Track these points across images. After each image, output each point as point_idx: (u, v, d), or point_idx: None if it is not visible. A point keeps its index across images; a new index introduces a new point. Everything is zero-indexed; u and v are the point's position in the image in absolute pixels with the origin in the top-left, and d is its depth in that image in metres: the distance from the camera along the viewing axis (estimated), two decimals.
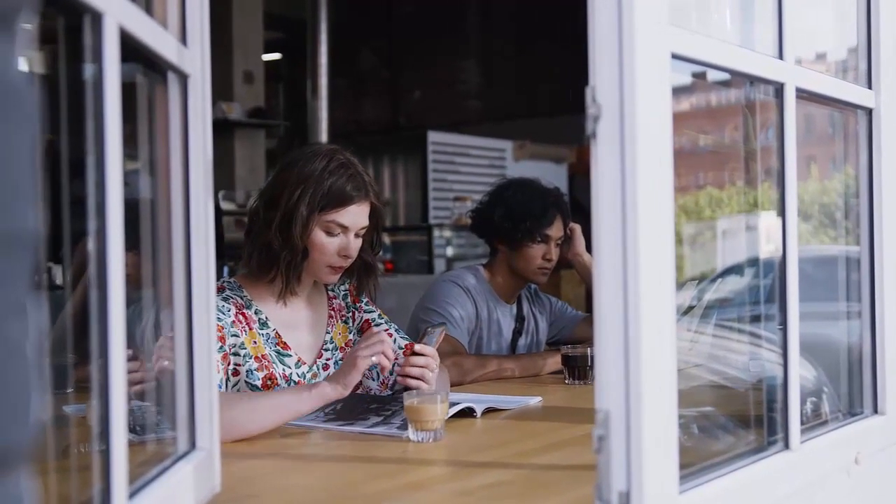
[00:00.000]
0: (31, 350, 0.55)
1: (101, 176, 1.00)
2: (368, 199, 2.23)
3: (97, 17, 0.99)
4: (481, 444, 1.93)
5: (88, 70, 1.02)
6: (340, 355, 2.34)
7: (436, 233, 7.40)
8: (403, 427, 1.90)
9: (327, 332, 2.35)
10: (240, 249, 2.30)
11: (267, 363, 2.18)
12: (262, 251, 2.20)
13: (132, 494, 1.09)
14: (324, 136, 8.61)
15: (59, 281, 2.63)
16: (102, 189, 1.00)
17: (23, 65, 0.56)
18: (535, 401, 2.34)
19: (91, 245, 1.01)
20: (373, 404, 2.14)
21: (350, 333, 2.39)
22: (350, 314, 2.41)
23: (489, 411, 2.18)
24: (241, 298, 2.21)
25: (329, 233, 2.19)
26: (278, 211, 2.17)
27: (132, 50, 1.12)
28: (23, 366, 0.54)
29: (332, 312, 2.38)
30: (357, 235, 2.23)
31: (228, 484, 1.47)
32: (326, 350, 2.33)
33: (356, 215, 2.21)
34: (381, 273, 2.47)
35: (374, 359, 1.98)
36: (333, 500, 1.54)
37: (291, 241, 2.16)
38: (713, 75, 1.55)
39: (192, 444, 1.37)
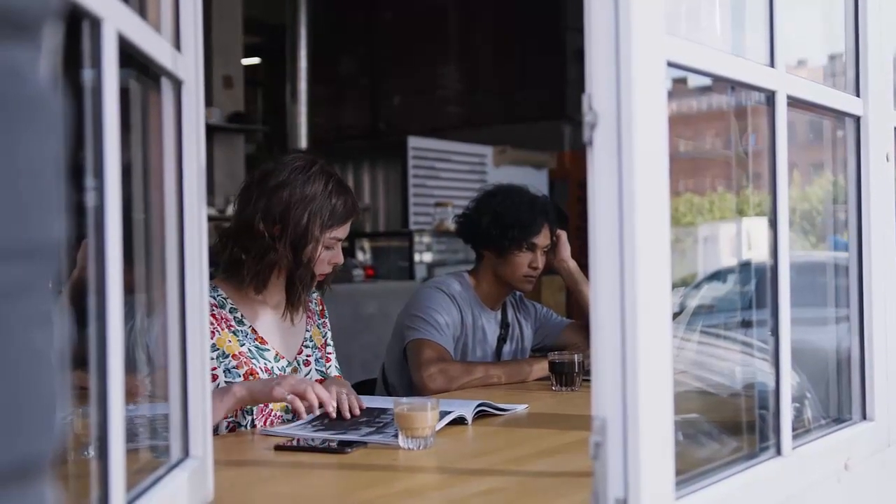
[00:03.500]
0: (55, 358, 0.55)
1: (101, 182, 0.99)
2: (357, 212, 2.37)
3: (96, 23, 0.99)
4: (472, 452, 1.93)
5: (86, 75, 1.01)
6: (319, 353, 2.44)
7: (416, 238, 7.38)
8: (398, 436, 1.90)
9: (307, 331, 2.43)
10: (217, 256, 2.30)
11: (245, 359, 2.23)
12: (268, 269, 2.26)
13: (129, 503, 1.08)
14: (303, 142, 8.59)
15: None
16: (101, 195, 0.99)
17: (47, 73, 0.55)
18: (521, 408, 2.35)
19: (89, 251, 1.00)
20: (362, 417, 2.13)
21: (323, 338, 2.49)
22: (322, 322, 2.52)
23: (480, 415, 2.19)
24: (215, 298, 2.24)
25: (328, 247, 2.31)
26: (286, 231, 2.23)
27: (127, 55, 1.11)
28: (48, 374, 0.54)
29: (310, 313, 2.47)
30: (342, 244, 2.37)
31: (221, 492, 1.46)
32: (307, 347, 2.41)
33: (349, 227, 2.35)
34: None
35: (289, 397, 2.01)
36: None
37: (302, 260, 2.25)
38: (692, 81, 1.55)
39: (186, 453, 1.36)
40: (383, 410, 2.17)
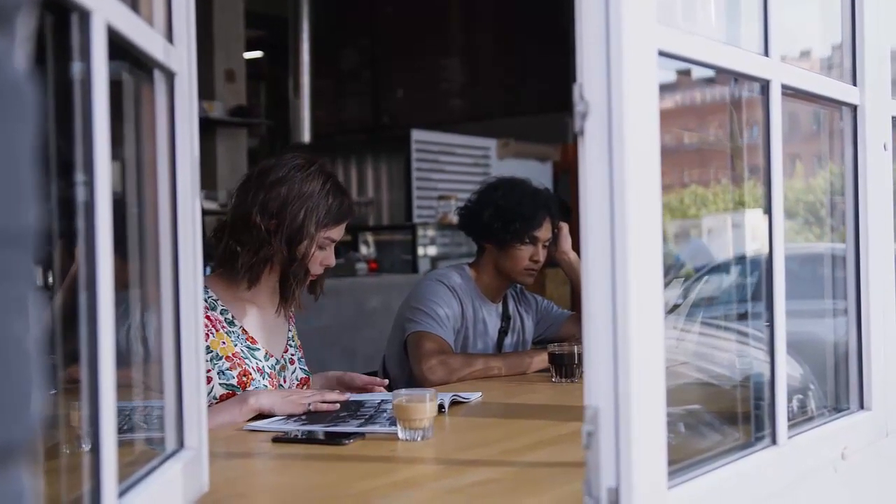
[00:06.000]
0: (33, 346, 0.55)
1: (90, 176, 0.99)
2: (353, 215, 2.39)
3: (85, 15, 0.99)
4: (469, 443, 1.93)
5: (76, 68, 1.01)
6: (300, 353, 2.48)
7: (420, 232, 7.38)
8: (393, 423, 1.90)
9: (289, 330, 2.47)
10: (212, 250, 2.32)
11: (239, 360, 2.26)
12: (262, 263, 2.28)
13: (121, 493, 1.08)
14: (306, 136, 8.59)
15: (39, 282, 2.62)
16: (91, 189, 1.00)
17: (21, 62, 0.55)
18: (475, 396, 2.38)
19: (80, 246, 1.00)
20: (342, 411, 2.13)
21: (298, 339, 2.53)
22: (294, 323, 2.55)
23: (453, 404, 2.23)
24: (206, 300, 2.25)
25: (321, 247, 2.32)
26: (282, 226, 2.25)
27: (118, 48, 1.11)
28: (25, 362, 0.54)
29: (292, 313, 2.50)
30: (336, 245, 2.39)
31: (216, 483, 1.46)
32: (291, 346, 2.45)
33: (343, 230, 2.38)
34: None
35: (311, 406, 2.13)
36: (323, 499, 1.53)
37: (296, 257, 2.27)
38: (697, 73, 1.55)
39: (181, 444, 1.37)
40: (361, 403, 2.20)
